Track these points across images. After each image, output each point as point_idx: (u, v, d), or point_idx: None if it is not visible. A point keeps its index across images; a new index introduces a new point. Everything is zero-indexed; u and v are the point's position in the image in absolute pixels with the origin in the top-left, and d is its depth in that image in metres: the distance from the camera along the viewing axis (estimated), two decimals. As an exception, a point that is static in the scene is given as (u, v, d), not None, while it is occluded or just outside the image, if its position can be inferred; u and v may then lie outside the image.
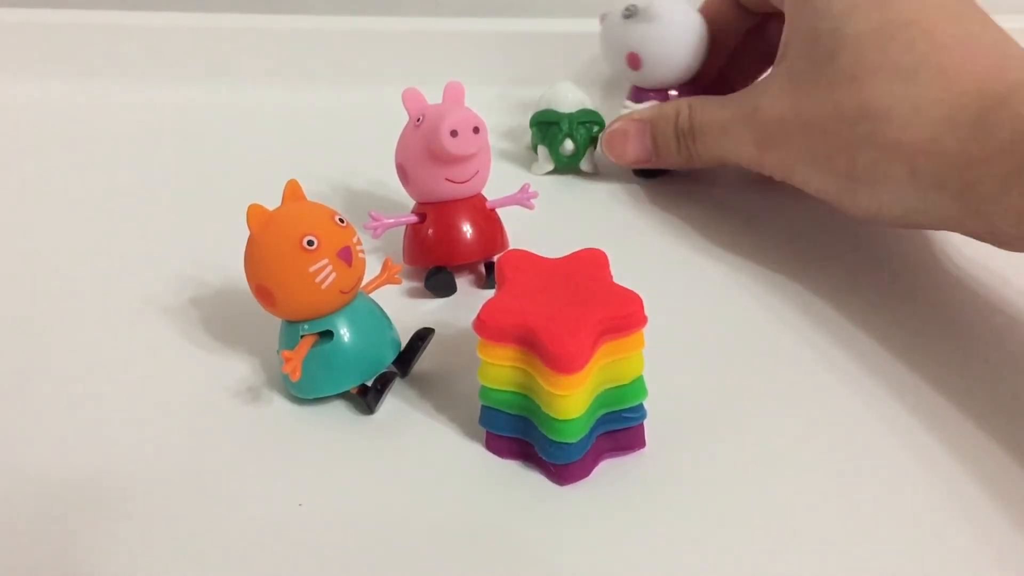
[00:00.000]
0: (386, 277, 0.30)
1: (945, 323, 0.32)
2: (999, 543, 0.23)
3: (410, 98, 0.33)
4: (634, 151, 0.39)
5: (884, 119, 0.29)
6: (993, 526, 0.24)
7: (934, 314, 0.32)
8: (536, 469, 0.26)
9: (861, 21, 0.30)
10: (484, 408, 0.26)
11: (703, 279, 0.35)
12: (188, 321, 0.33)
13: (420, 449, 0.27)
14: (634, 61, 0.40)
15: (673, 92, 0.41)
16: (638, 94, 0.42)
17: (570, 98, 0.42)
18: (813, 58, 0.31)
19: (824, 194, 0.32)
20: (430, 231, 0.34)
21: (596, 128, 0.41)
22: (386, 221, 0.34)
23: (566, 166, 0.42)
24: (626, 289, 0.25)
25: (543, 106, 0.42)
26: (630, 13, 0.39)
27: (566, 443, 0.24)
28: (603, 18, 0.42)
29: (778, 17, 0.36)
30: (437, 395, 0.29)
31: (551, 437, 0.24)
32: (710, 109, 0.36)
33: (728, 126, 0.34)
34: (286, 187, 0.28)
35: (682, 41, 0.40)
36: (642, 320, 0.24)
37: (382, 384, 0.28)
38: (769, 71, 0.35)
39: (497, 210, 0.35)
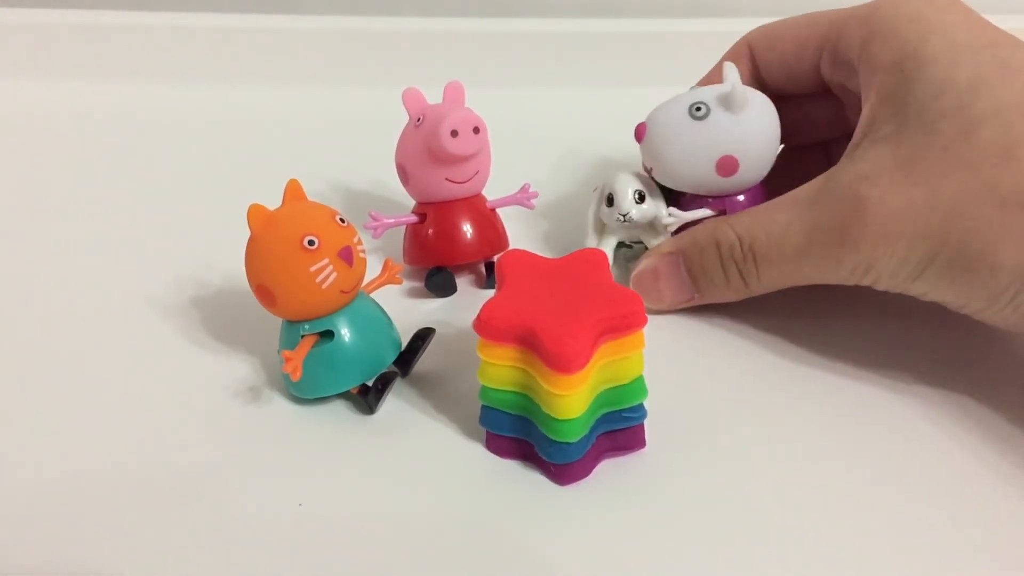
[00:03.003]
0: (386, 277, 0.30)
1: (944, 326, 0.32)
2: (997, 542, 0.23)
3: (410, 98, 0.33)
4: (671, 293, 0.32)
5: None
6: (991, 525, 0.24)
7: (933, 320, 0.32)
8: (536, 469, 0.26)
9: (998, 90, 0.25)
10: (484, 408, 0.26)
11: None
12: (188, 321, 0.33)
13: (420, 449, 0.27)
14: (729, 167, 0.31)
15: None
16: (695, 199, 0.33)
17: (630, 189, 0.33)
18: (935, 137, 0.26)
19: (963, 300, 0.26)
20: (430, 231, 0.34)
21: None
22: (386, 221, 0.34)
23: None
24: (626, 289, 0.25)
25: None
26: (703, 110, 0.31)
27: (566, 443, 0.24)
28: (648, 127, 0.33)
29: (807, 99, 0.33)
30: (437, 395, 0.29)
31: (551, 437, 0.24)
32: (769, 224, 0.29)
33: (816, 238, 0.27)
34: (287, 187, 0.28)
35: (773, 132, 0.32)
36: (642, 320, 0.24)
37: (383, 384, 0.28)
38: (850, 158, 0.28)
39: (497, 210, 0.35)
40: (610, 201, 0.33)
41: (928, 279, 0.26)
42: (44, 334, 0.32)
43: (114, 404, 0.29)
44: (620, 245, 0.35)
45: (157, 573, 0.23)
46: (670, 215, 0.32)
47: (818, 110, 0.34)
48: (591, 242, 0.34)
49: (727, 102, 0.30)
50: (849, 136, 0.30)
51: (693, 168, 0.31)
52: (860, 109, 0.29)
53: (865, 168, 0.27)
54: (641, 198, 0.33)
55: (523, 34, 0.55)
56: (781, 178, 0.32)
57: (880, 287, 0.27)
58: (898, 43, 0.27)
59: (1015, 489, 0.25)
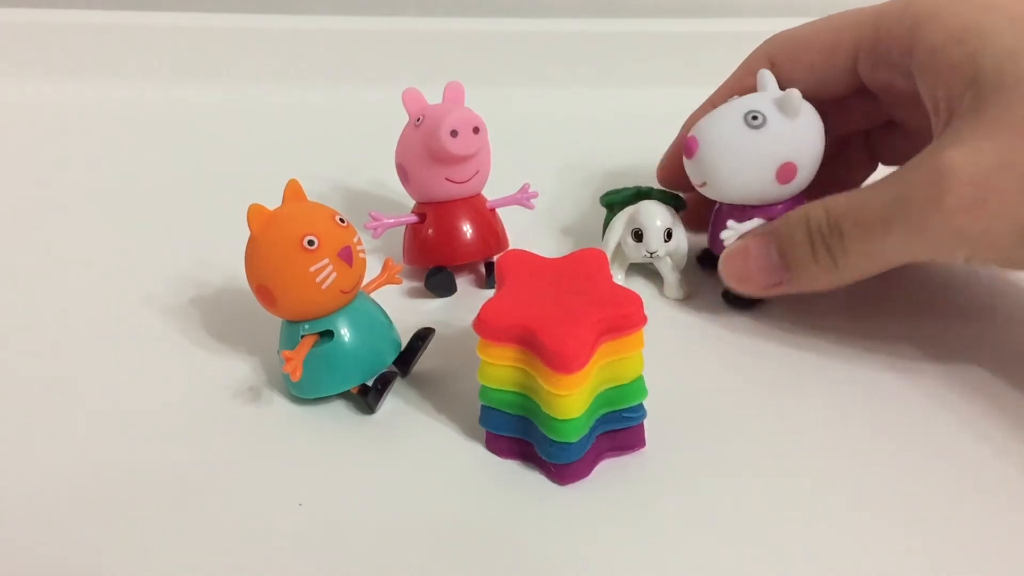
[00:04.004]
0: (386, 277, 0.30)
1: (952, 325, 0.32)
2: (1000, 539, 0.23)
3: (410, 98, 0.34)
4: (761, 273, 0.30)
5: None
6: (994, 522, 0.24)
7: (939, 316, 0.32)
8: (536, 469, 0.26)
9: None
10: (484, 408, 0.26)
11: (703, 279, 0.35)
12: (188, 321, 0.33)
13: (420, 449, 0.27)
14: (788, 173, 0.30)
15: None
16: (735, 211, 0.32)
17: (658, 224, 0.33)
18: (1016, 95, 0.25)
19: None
20: (430, 231, 0.34)
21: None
22: (386, 221, 0.34)
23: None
24: (626, 289, 0.25)
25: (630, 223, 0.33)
26: (760, 119, 0.30)
27: (566, 443, 0.24)
28: (701, 142, 0.31)
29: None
30: (437, 395, 0.29)
31: (551, 437, 0.24)
32: (855, 196, 0.28)
33: (899, 208, 0.26)
34: (286, 187, 0.28)
35: (823, 134, 0.31)
36: (642, 320, 0.24)
37: (382, 384, 0.28)
38: (936, 140, 0.27)
39: (497, 210, 0.35)
40: (637, 236, 0.33)
41: None
42: (44, 334, 0.32)
43: (114, 404, 0.29)
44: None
45: (157, 573, 0.23)
46: (728, 228, 0.31)
47: (851, 108, 0.33)
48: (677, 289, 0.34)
49: (785, 106, 0.30)
50: (886, 125, 0.30)
51: (752, 178, 0.30)
52: (905, 105, 0.29)
53: (947, 139, 0.26)
54: (669, 236, 0.33)
55: (523, 34, 0.55)
56: (823, 170, 0.32)
57: (978, 261, 0.26)
58: (953, 21, 0.27)
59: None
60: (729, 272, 0.31)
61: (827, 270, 0.28)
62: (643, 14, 0.56)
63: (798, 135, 0.30)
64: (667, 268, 0.34)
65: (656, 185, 0.36)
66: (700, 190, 0.32)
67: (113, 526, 0.24)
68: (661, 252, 0.33)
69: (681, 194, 0.35)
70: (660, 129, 0.40)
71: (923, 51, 0.28)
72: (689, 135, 0.31)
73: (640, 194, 0.35)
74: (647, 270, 0.35)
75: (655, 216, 0.33)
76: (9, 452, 0.27)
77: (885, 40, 0.29)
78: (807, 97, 0.31)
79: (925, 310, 0.33)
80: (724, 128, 0.30)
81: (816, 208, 0.28)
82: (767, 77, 0.31)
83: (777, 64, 0.32)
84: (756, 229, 0.31)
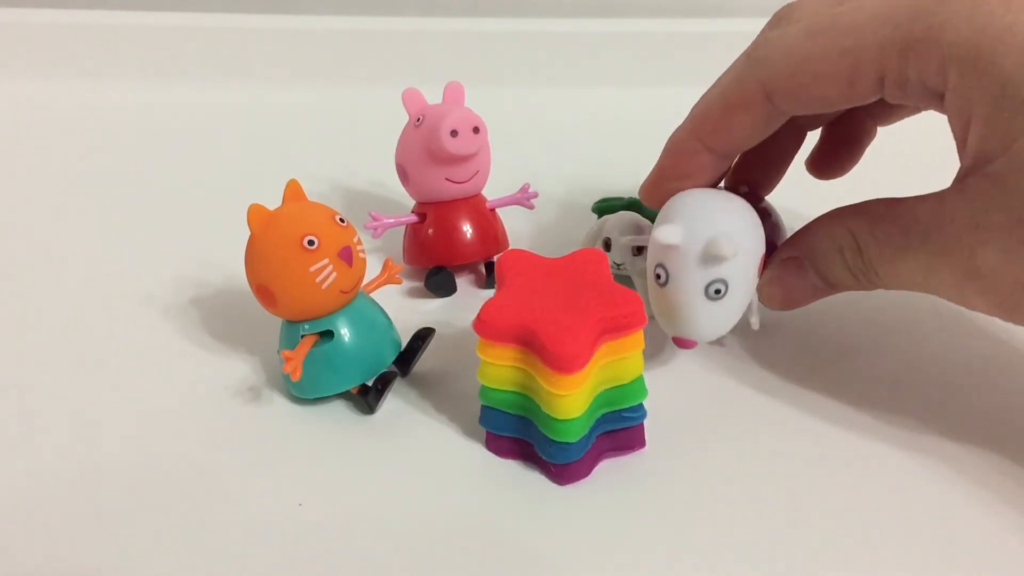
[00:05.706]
0: (386, 277, 0.30)
1: (947, 327, 0.32)
2: (1000, 542, 0.23)
3: (410, 98, 0.34)
4: (803, 295, 0.29)
5: None
6: (994, 525, 0.24)
7: (936, 319, 0.32)
8: (536, 469, 0.26)
9: None
10: (484, 408, 0.26)
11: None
12: (188, 321, 0.33)
13: (420, 449, 0.27)
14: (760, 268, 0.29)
15: None
16: None
17: (627, 240, 0.32)
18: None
19: None
20: (430, 231, 0.34)
21: None
22: (386, 221, 0.34)
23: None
24: (626, 288, 0.25)
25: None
26: (722, 290, 0.26)
27: (566, 443, 0.24)
28: (693, 334, 0.27)
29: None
30: (437, 395, 0.29)
31: (551, 437, 0.24)
32: (887, 243, 0.26)
33: (932, 274, 0.25)
34: (286, 187, 0.28)
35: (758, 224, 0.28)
36: (642, 320, 0.24)
37: (382, 384, 0.28)
38: (961, 192, 0.24)
39: (497, 210, 0.35)
40: (607, 245, 0.32)
41: None
42: (44, 334, 0.32)
43: (114, 404, 0.29)
44: None
45: (157, 573, 0.23)
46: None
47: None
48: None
49: (716, 251, 0.25)
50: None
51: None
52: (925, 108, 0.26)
53: (978, 213, 0.24)
54: (639, 251, 0.32)
55: (523, 34, 0.55)
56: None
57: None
58: (987, 68, 0.23)
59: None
60: (772, 300, 0.29)
61: (867, 289, 0.28)
62: (643, 14, 0.56)
63: (755, 256, 0.27)
64: (641, 285, 0.32)
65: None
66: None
67: (113, 526, 0.24)
68: (628, 267, 0.32)
69: None
70: (660, 129, 0.39)
71: (956, 96, 0.24)
72: (680, 338, 0.28)
73: (632, 205, 0.34)
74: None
75: (625, 230, 0.32)
76: (9, 452, 0.27)
77: (915, 71, 0.25)
78: (810, 117, 0.29)
79: (935, 319, 0.33)
80: (705, 321, 0.27)
81: (849, 241, 0.27)
82: (720, 245, 0.26)
83: (774, 96, 0.27)
84: (781, 255, 0.29)
